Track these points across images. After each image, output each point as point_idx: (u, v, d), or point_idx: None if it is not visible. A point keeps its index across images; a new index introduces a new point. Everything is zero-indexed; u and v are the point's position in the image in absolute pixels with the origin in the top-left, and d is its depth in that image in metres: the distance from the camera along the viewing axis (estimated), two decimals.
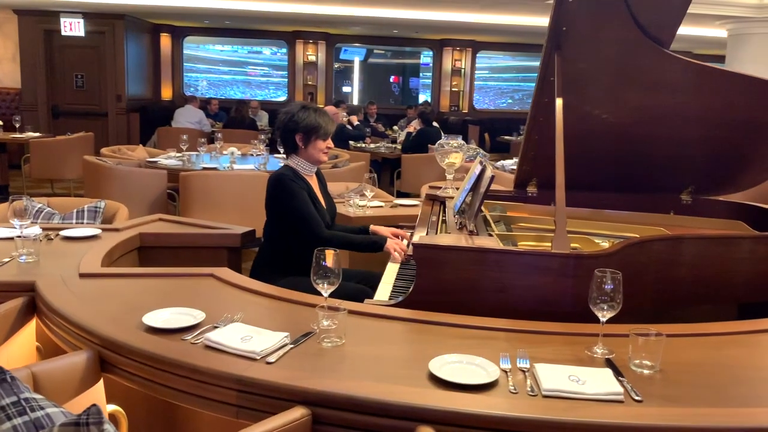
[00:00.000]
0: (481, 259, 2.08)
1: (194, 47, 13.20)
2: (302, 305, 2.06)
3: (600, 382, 1.54)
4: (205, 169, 5.47)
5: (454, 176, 3.37)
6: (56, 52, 10.62)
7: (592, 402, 1.47)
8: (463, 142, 3.40)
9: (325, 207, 2.94)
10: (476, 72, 13.22)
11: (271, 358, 1.63)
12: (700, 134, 2.88)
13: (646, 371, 1.65)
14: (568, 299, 2.09)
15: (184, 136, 6.23)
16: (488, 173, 2.49)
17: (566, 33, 2.40)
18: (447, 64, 12.78)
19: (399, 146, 8.24)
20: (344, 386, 1.48)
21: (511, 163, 6.56)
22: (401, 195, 7.00)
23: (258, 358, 1.63)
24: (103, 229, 2.91)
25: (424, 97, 14.13)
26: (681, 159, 3.05)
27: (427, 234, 2.52)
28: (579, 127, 2.76)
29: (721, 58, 9.16)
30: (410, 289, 2.13)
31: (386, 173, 8.27)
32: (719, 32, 8.97)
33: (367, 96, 14.07)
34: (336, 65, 13.30)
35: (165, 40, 12.16)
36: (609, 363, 1.69)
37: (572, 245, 2.62)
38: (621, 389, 1.51)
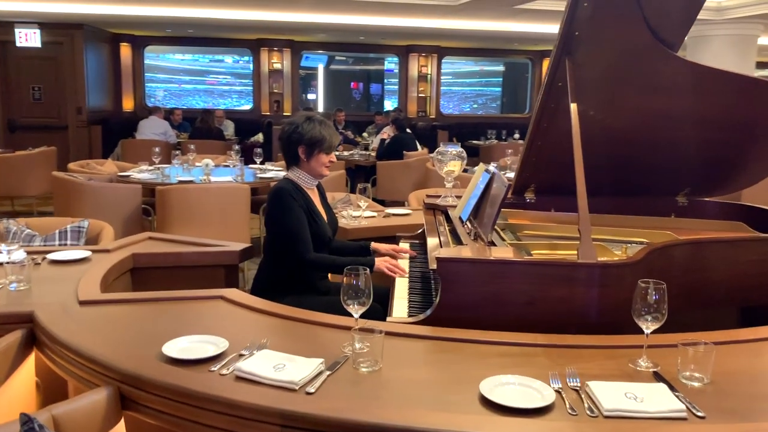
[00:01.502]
0: (510, 271, 2.02)
1: (153, 57, 12.91)
2: (325, 327, 1.96)
3: (659, 398, 1.49)
4: (181, 182, 5.29)
5: (454, 183, 3.30)
6: (11, 64, 10.21)
7: (656, 421, 1.42)
8: (462, 150, 3.34)
9: (326, 220, 2.83)
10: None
11: (311, 388, 1.53)
12: (701, 136, 2.88)
13: (696, 384, 1.60)
14: (597, 310, 2.04)
15: (156, 149, 6.03)
16: (501, 181, 2.43)
17: (578, 38, 2.36)
18: (413, 69, 12.78)
19: (373, 153, 8.17)
20: (398, 417, 1.39)
21: None
22: (377, 202, 6.92)
23: (297, 388, 1.53)
24: (93, 251, 2.75)
25: (389, 103, 14.10)
26: (680, 161, 3.05)
27: (441, 246, 2.45)
28: (582, 132, 2.72)
29: None
30: (436, 303, 2.05)
31: (360, 180, 8.18)
32: None
33: (331, 103, 13.99)
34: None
35: (125, 50, 11.84)
36: (658, 376, 1.64)
37: None
38: (683, 406, 1.45)
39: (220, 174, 5.91)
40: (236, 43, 12.28)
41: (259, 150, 6.24)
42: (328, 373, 1.61)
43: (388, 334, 1.86)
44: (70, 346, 1.75)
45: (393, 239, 3.26)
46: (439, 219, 3.00)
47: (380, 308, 2.65)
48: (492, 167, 2.71)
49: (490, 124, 12.08)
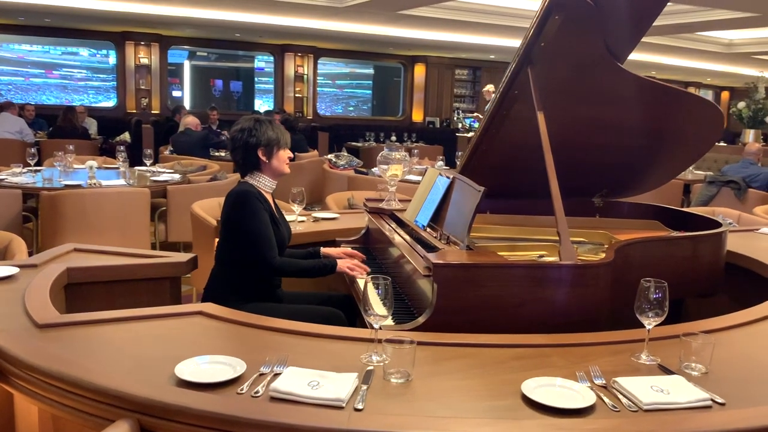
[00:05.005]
0: (504, 274, 2.07)
1: None
2: (329, 339, 1.89)
3: (682, 389, 1.59)
4: (68, 186, 4.83)
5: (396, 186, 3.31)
6: None
7: (689, 410, 1.52)
8: (406, 154, 3.35)
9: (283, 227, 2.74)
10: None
11: (358, 404, 1.47)
12: (626, 142, 3.10)
13: (697, 373, 1.73)
14: (578, 307, 2.14)
15: (32, 150, 5.46)
16: (471, 186, 2.48)
17: (542, 49, 2.46)
18: (289, 69, 12.61)
19: None
20: (462, 428, 1.38)
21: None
22: None
23: (344, 405, 1.46)
24: (20, 267, 2.44)
25: (260, 102, 13.81)
26: (603, 165, 3.26)
27: (416, 251, 2.44)
28: (519, 138, 2.84)
29: None
30: (432, 309, 2.04)
31: None
32: None
33: (198, 101, 13.45)
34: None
35: None
36: (664, 369, 1.75)
37: (539, 253, 2.71)
38: (707, 395, 1.57)
39: (105, 177, 5.47)
40: (99, 35, 11.43)
41: (148, 151, 5.86)
42: (365, 387, 1.56)
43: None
44: (64, 377, 1.55)
45: (332, 244, 3.22)
46: (391, 224, 2.99)
47: (342, 315, 2.61)
48: (452, 172, 2.75)
49: (366, 126, 12.23)
